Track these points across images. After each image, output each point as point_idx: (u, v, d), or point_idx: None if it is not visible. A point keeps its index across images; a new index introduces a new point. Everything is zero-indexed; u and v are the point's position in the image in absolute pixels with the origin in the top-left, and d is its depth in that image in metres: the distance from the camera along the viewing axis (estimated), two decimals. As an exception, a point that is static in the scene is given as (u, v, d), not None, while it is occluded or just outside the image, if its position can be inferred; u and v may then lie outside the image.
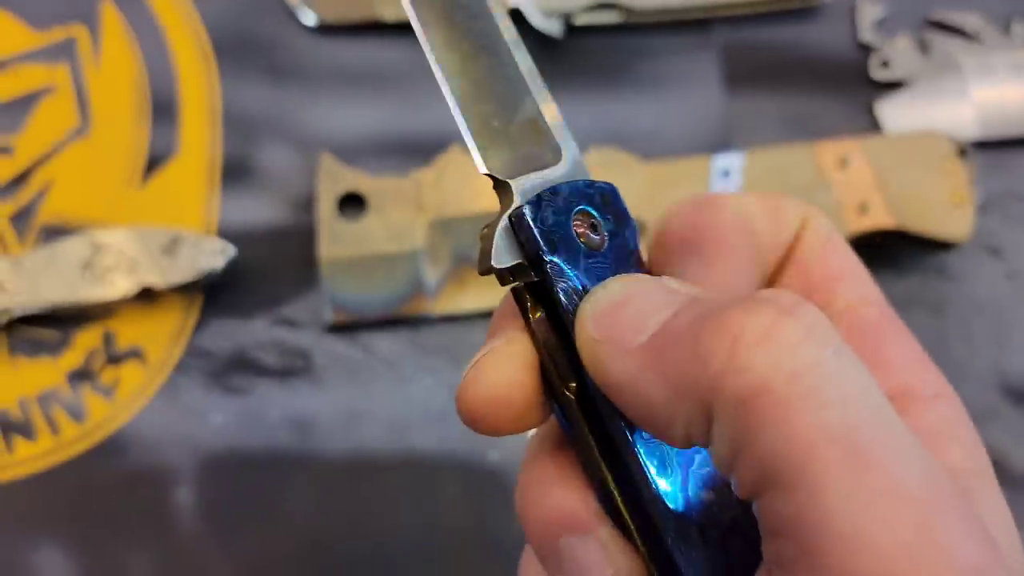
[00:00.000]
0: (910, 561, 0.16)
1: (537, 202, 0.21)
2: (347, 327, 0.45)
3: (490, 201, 0.45)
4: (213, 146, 0.47)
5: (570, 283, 0.21)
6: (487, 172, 0.22)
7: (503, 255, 0.21)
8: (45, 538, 0.42)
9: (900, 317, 0.23)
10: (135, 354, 0.44)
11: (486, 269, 0.22)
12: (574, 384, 0.21)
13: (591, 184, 0.23)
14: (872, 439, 0.17)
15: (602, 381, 0.20)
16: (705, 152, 0.46)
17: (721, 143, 0.48)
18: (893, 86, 0.49)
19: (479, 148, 0.22)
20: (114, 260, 0.44)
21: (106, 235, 0.44)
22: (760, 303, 0.18)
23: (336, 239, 0.44)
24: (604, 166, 0.45)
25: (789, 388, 0.17)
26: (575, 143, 0.23)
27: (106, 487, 0.43)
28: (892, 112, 0.49)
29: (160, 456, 0.43)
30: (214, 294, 0.45)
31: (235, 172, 0.47)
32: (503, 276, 0.22)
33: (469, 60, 0.23)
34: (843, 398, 0.17)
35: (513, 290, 0.22)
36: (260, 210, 0.46)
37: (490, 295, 0.44)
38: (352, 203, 0.45)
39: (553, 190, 0.22)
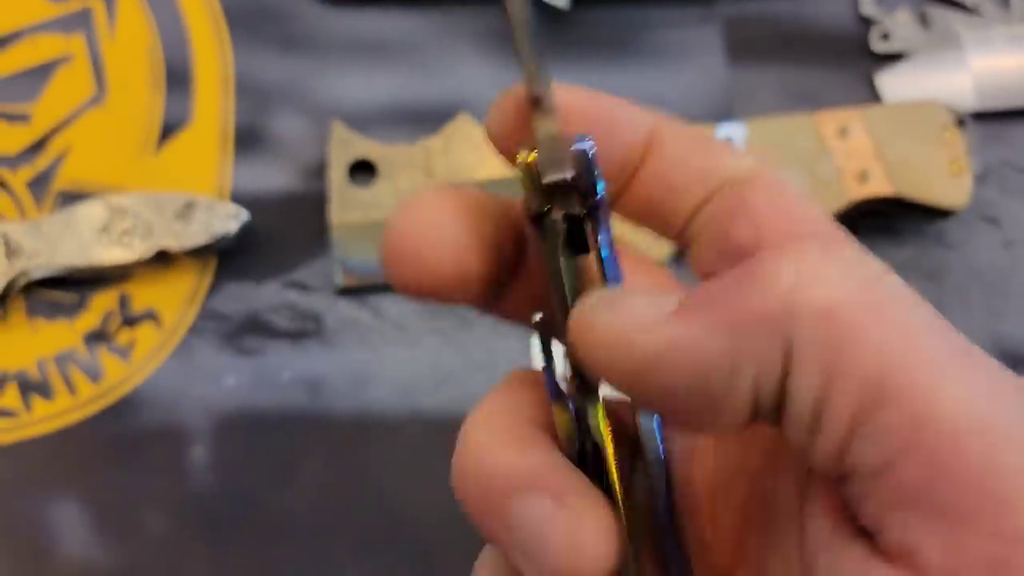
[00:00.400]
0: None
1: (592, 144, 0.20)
2: (357, 290, 0.46)
3: (497, 166, 0.46)
4: (226, 114, 0.48)
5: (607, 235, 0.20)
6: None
7: (559, 168, 0.19)
8: (62, 494, 0.43)
9: None
10: (150, 316, 0.45)
11: (538, 185, 0.19)
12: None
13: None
14: (962, 339, 0.16)
15: (624, 370, 0.18)
16: (708, 122, 0.46)
17: (724, 113, 0.48)
18: (893, 58, 0.50)
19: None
20: (130, 224, 0.45)
21: (122, 199, 0.45)
22: (800, 238, 0.18)
23: (347, 205, 0.45)
24: (609, 134, 0.46)
25: (872, 293, 0.16)
26: None
27: (122, 445, 0.44)
28: (892, 83, 0.49)
29: (175, 415, 0.44)
30: (227, 258, 0.46)
31: (248, 139, 0.48)
32: (547, 196, 0.19)
33: None
34: (919, 301, 0.16)
35: (539, 221, 0.20)
36: (272, 177, 0.47)
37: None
38: (362, 170, 0.46)
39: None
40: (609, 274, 0.20)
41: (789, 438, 0.17)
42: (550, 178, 0.19)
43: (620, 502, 0.20)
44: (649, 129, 0.21)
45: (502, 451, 0.19)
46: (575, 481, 0.19)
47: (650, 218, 0.22)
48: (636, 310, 0.18)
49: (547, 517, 0.18)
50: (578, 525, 0.18)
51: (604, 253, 0.20)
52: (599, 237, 0.20)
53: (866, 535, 0.17)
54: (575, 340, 0.19)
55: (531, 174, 0.20)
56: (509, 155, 0.21)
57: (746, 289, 0.17)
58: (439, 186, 0.20)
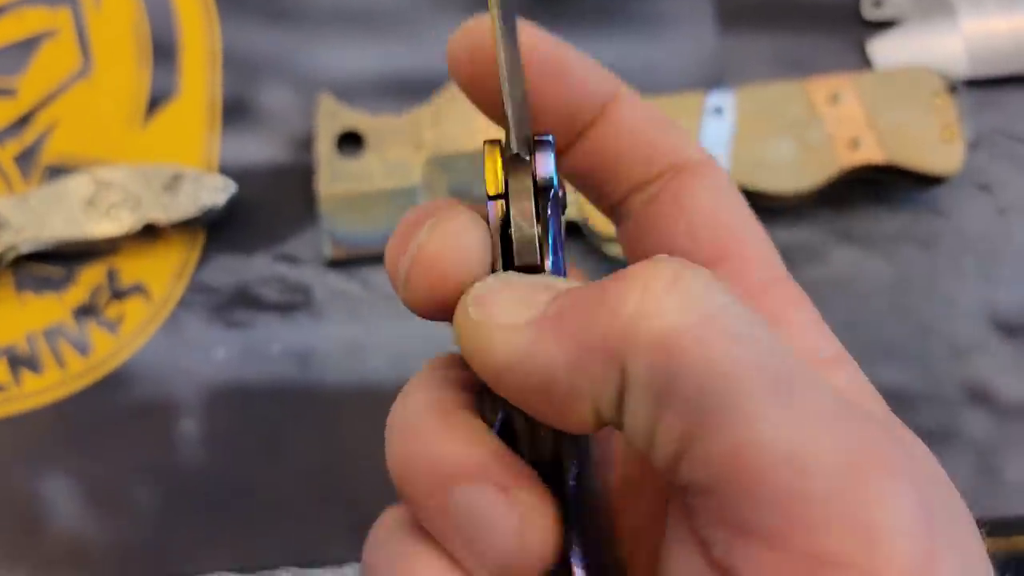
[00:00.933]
0: (857, 474, 0.16)
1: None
2: (346, 262, 0.45)
3: (487, 137, 0.45)
4: (213, 86, 0.48)
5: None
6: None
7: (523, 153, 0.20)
8: (53, 468, 0.43)
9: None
10: (139, 290, 0.45)
11: (508, 160, 0.20)
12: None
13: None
14: (791, 370, 0.17)
15: (486, 366, 0.18)
16: (698, 89, 0.46)
17: (714, 81, 0.48)
18: (885, 25, 0.50)
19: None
20: (117, 197, 0.44)
21: (109, 172, 0.45)
22: (662, 260, 0.18)
23: (335, 176, 0.45)
24: (599, 103, 0.46)
25: (705, 328, 0.17)
26: None
27: (112, 419, 0.44)
28: (883, 50, 0.49)
29: (164, 389, 0.44)
30: (216, 231, 0.46)
31: (235, 112, 0.47)
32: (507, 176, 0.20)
33: None
34: (755, 336, 0.17)
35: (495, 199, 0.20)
36: (260, 149, 0.47)
37: (487, 229, 0.45)
38: (350, 141, 0.46)
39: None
40: (551, 256, 0.20)
41: (632, 446, 0.18)
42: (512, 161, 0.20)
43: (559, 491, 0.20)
44: (609, 91, 0.21)
45: (442, 438, 0.19)
46: (519, 471, 0.19)
47: (590, 183, 0.22)
48: (504, 309, 0.18)
49: (492, 506, 0.19)
50: (524, 515, 0.19)
51: (550, 235, 0.20)
52: (548, 220, 0.20)
53: (701, 545, 0.17)
54: (455, 325, 0.19)
55: (494, 156, 0.20)
56: (467, 82, 0.21)
57: (595, 309, 0.18)
58: (463, 208, 0.20)
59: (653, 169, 0.21)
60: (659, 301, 0.17)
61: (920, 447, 0.19)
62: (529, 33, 0.21)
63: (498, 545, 0.19)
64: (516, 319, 0.18)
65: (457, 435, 0.19)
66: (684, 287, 0.17)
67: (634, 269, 0.18)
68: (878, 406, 0.20)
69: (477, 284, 0.19)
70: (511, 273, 0.20)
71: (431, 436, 0.19)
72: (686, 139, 0.22)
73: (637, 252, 0.22)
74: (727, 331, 0.17)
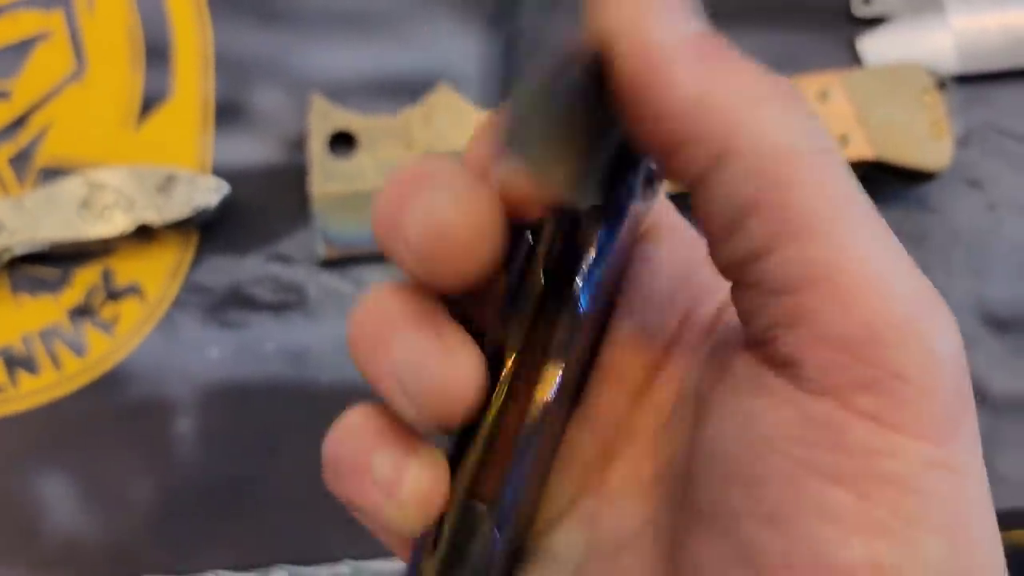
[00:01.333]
0: (927, 306, 0.18)
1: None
2: (339, 262, 0.46)
3: None
4: (206, 88, 0.48)
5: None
6: None
7: (589, 192, 0.20)
8: (49, 468, 0.43)
9: None
10: (134, 290, 0.45)
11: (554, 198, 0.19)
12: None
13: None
14: (868, 203, 0.19)
15: (632, 49, 0.18)
16: (688, 87, 0.46)
17: (704, 79, 0.48)
18: (875, 22, 0.50)
19: None
20: (111, 198, 0.45)
21: (102, 174, 0.45)
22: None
23: (328, 176, 0.45)
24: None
25: (815, 156, 0.18)
26: None
27: (108, 419, 0.44)
28: (873, 47, 0.49)
29: (159, 388, 0.44)
30: (210, 232, 0.46)
31: (228, 113, 0.48)
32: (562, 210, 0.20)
33: None
34: (846, 170, 0.19)
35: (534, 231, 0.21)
36: (253, 150, 0.47)
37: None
38: (343, 141, 0.46)
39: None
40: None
41: (706, 229, 0.19)
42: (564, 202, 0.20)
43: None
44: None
45: (393, 298, 0.20)
46: (453, 326, 0.20)
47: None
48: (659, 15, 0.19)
49: (426, 351, 0.20)
50: (451, 361, 0.20)
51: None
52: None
53: (756, 346, 0.19)
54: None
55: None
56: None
57: (729, 71, 0.19)
58: (485, 184, 0.20)
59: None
60: (771, 114, 0.18)
61: None
62: None
63: (425, 381, 0.20)
64: (680, 22, 0.18)
65: (407, 297, 0.20)
66: (795, 107, 0.19)
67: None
68: None
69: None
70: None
71: (385, 299, 0.21)
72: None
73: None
74: (836, 162, 0.18)
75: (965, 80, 0.49)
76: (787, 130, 0.18)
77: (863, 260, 0.18)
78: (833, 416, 0.17)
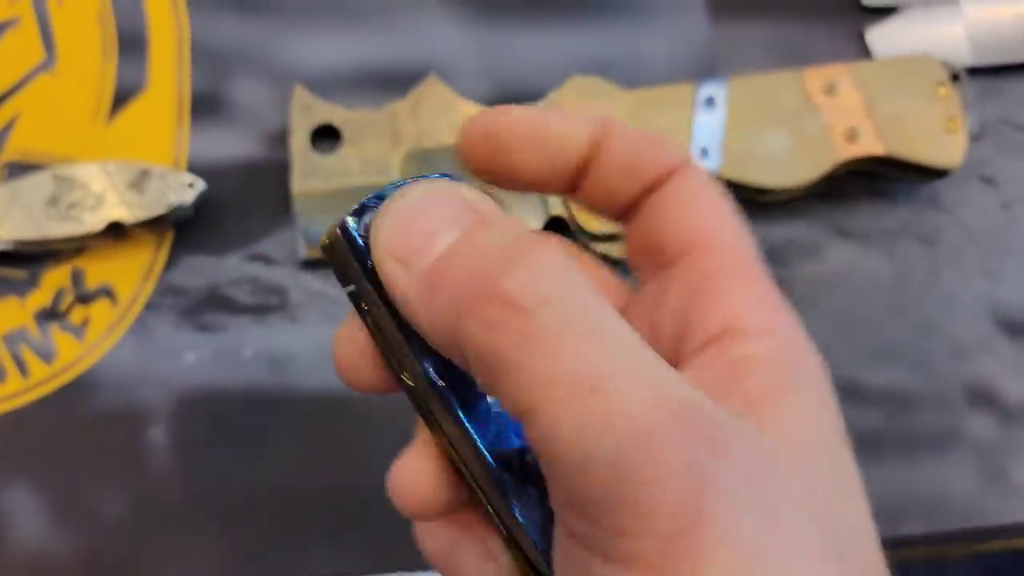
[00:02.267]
0: (626, 473, 0.17)
1: (360, 209, 0.22)
2: (322, 263, 0.44)
3: None
4: (182, 79, 0.46)
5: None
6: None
7: (343, 276, 0.22)
8: (15, 479, 0.41)
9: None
10: (105, 292, 0.43)
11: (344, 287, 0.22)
12: (407, 373, 0.22)
13: (423, 177, 0.23)
14: (599, 373, 0.18)
15: (397, 302, 0.21)
16: (689, 79, 0.44)
17: (705, 71, 0.46)
18: (884, 12, 0.48)
19: None
20: (80, 195, 0.42)
21: (72, 169, 0.43)
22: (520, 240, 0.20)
23: (310, 173, 0.43)
24: (586, 95, 0.44)
25: (527, 344, 0.19)
26: None
27: (77, 427, 0.42)
28: (883, 39, 0.47)
29: (132, 395, 0.42)
30: (185, 230, 0.44)
31: (205, 106, 0.46)
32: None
33: None
34: (576, 346, 0.18)
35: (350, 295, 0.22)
36: (231, 145, 0.45)
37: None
38: (326, 136, 0.44)
39: (378, 195, 0.22)
40: None
41: None
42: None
43: None
44: (590, 133, 0.23)
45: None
46: None
47: (601, 211, 0.25)
48: (408, 247, 0.20)
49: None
50: None
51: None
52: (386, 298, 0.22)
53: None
54: (372, 253, 0.21)
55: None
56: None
57: (456, 288, 0.20)
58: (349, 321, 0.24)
59: (642, 183, 0.24)
60: (484, 310, 0.19)
61: (798, 433, 0.20)
62: (498, 115, 0.23)
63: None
64: (418, 263, 0.20)
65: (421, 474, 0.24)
66: (524, 282, 0.19)
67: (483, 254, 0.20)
68: (776, 377, 0.21)
69: (394, 201, 0.21)
70: (423, 188, 0.21)
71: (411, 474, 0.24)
72: (670, 146, 0.24)
73: (636, 261, 0.25)
74: (548, 330, 0.19)
75: (978, 72, 0.47)
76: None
77: (562, 444, 0.18)
78: (581, 556, 0.19)
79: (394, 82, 0.45)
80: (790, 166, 0.43)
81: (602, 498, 0.18)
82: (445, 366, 0.22)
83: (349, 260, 0.22)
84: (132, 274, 0.43)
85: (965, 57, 0.47)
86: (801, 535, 0.18)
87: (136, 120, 0.45)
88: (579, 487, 0.18)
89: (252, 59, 0.46)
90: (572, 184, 0.24)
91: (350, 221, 0.22)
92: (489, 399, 0.22)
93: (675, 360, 0.22)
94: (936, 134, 0.43)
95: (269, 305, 0.43)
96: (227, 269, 0.44)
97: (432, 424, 0.22)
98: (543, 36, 0.48)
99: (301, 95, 0.44)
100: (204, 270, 0.44)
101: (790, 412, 0.20)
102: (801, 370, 0.21)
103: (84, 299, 0.43)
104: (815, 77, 0.44)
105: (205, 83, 0.46)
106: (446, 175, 0.22)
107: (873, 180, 0.45)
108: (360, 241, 0.21)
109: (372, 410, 0.42)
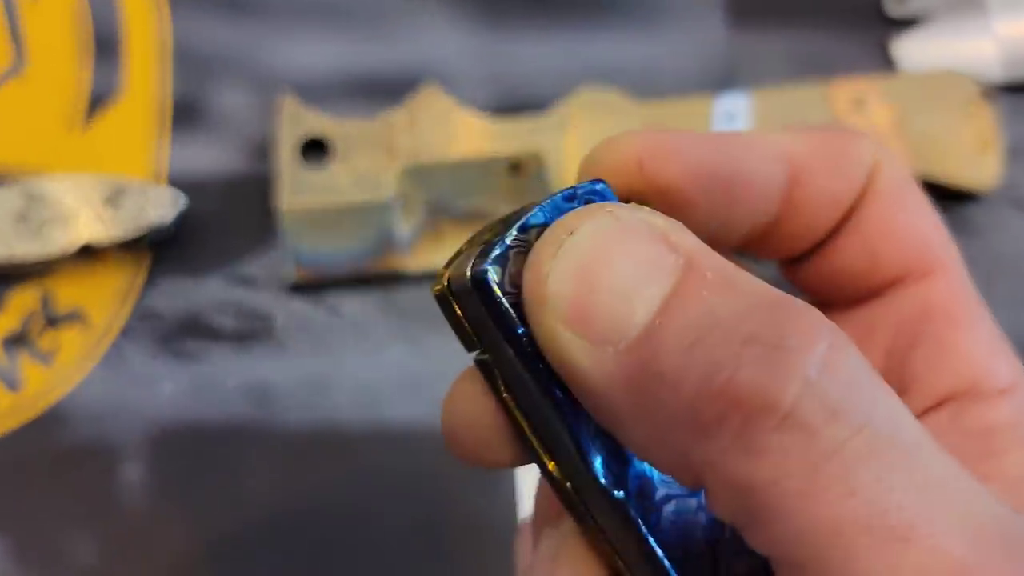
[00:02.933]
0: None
1: (491, 248, 0.17)
2: (311, 286, 0.42)
3: (471, 144, 0.41)
4: (162, 86, 0.44)
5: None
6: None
7: (470, 337, 0.18)
8: (-23, 520, 0.39)
9: None
10: (76, 317, 0.41)
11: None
12: (559, 466, 0.17)
13: (571, 195, 0.17)
14: (907, 511, 0.14)
15: (579, 391, 0.16)
16: (706, 91, 0.42)
17: (723, 82, 0.45)
18: (910, 23, 0.46)
19: None
20: (51, 212, 0.41)
21: (41, 185, 0.41)
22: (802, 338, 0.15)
23: (298, 188, 0.41)
24: (594, 107, 0.42)
25: (810, 478, 0.14)
26: None
27: (45, 464, 0.40)
28: (909, 51, 0.45)
29: (105, 429, 0.40)
30: (164, 250, 0.42)
31: (186, 115, 0.44)
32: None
33: None
34: (875, 476, 0.14)
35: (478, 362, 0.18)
36: (214, 157, 0.43)
37: (469, 251, 0.41)
38: (315, 149, 0.42)
39: (521, 225, 0.17)
40: None
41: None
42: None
43: None
44: (782, 175, 0.19)
45: None
46: None
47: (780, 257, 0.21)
48: (595, 318, 0.15)
49: None
50: None
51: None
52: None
53: None
54: (532, 319, 0.16)
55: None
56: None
57: (688, 398, 0.15)
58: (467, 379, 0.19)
59: (841, 206, 0.20)
60: (766, 437, 0.14)
61: None
62: (676, 157, 0.18)
63: None
64: (611, 339, 0.15)
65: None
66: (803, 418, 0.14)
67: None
68: None
69: (563, 242, 0.16)
70: (601, 218, 0.16)
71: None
72: (860, 145, 0.20)
73: (824, 279, 0.21)
74: (839, 480, 0.14)
75: (1010, 90, 0.45)
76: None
77: None
78: None
79: (389, 90, 0.43)
80: (814, 187, 0.41)
81: None
82: (621, 464, 0.17)
83: (484, 320, 0.17)
84: (106, 297, 0.42)
85: (996, 72, 0.45)
86: None
87: (112, 129, 0.43)
88: None
89: (237, 64, 0.45)
90: (751, 238, 0.20)
91: (491, 272, 0.16)
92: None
93: None
94: (968, 155, 0.42)
95: (253, 332, 0.42)
96: (208, 293, 0.42)
97: (584, 519, 0.18)
98: (550, 42, 0.45)
99: (289, 104, 0.42)
100: (183, 294, 0.42)
101: None
102: None
103: (54, 324, 0.41)
104: (842, 91, 0.42)
105: (186, 90, 0.44)
106: (597, 185, 0.17)
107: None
108: (504, 300, 0.17)
109: (362, 448, 0.40)
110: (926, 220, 0.20)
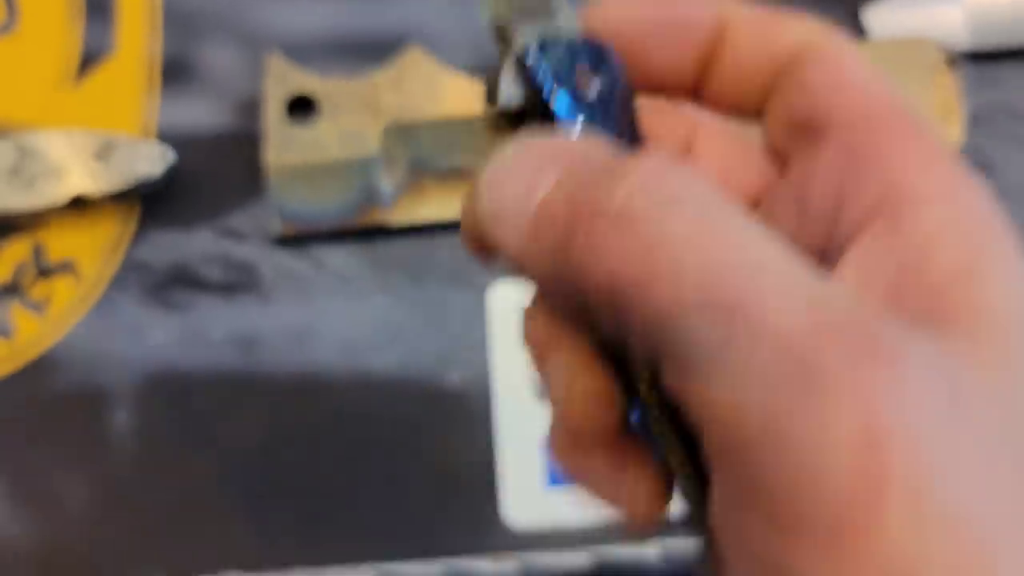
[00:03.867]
0: (782, 420, 0.15)
1: (543, 45, 0.21)
2: (297, 239, 0.43)
3: (453, 104, 0.42)
4: (152, 44, 0.44)
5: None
6: (491, 16, 0.22)
7: (511, 92, 0.21)
8: (-30, 463, 0.40)
9: None
10: (67, 267, 0.42)
11: (493, 113, 0.22)
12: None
13: (588, 41, 0.22)
14: (737, 288, 0.16)
15: (512, 267, 0.19)
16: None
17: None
18: (881, -9, 0.47)
19: None
20: (43, 166, 0.41)
21: (33, 139, 0.42)
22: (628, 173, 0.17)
23: (285, 145, 0.42)
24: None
25: (644, 266, 0.17)
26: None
27: (36, 410, 0.41)
28: (880, 19, 0.46)
29: (95, 376, 0.41)
30: (153, 203, 0.43)
31: (176, 72, 0.44)
32: (509, 118, 0.21)
33: None
34: (704, 242, 0.16)
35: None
36: (202, 114, 0.44)
37: (451, 205, 0.42)
38: (302, 106, 0.43)
39: (554, 40, 0.21)
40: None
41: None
42: (500, 109, 0.22)
43: None
44: (714, 17, 0.21)
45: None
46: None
47: (730, 107, 0.22)
48: (507, 199, 0.19)
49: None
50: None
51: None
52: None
53: None
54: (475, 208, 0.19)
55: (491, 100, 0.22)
56: None
57: (560, 235, 0.18)
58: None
59: (773, 67, 0.21)
60: (603, 239, 0.17)
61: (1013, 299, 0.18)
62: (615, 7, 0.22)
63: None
64: (519, 216, 0.18)
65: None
66: (629, 226, 0.17)
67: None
68: (968, 245, 0.18)
69: (497, 154, 0.19)
70: (527, 141, 0.19)
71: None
72: (795, 25, 0.22)
73: (781, 147, 0.22)
74: (673, 265, 0.17)
75: (976, 57, 0.46)
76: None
77: (717, 392, 0.16)
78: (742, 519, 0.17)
79: (376, 50, 0.44)
80: (783, 149, 0.42)
81: (758, 449, 0.15)
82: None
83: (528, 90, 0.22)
84: (96, 249, 0.42)
85: (962, 41, 0.46)
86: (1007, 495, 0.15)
87: (103, 86, 0.44)
88: (728, 438, 0.16)
89: (226, 22, 0.45)
90: (697, 80, 0.21)
91: (534, 50, 0.21)
92: None
93: (832, 249, 0.19)
94: (931, 120, 0.43)
95: (239, 283, 0.42)
96: (196, 245, 0.43)
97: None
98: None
99: (276, 63, 0.43)
100: (172, 246, 0.43)
101: (984, 308, 0.17)
102: (993, 249, 0.18)
103: (46, 274, 0.42)
104: (811, 58, 0.43)
105: (176, 48, 0.45)
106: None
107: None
108: (545, 69, 0.21)
109: (345, 397, 0.41)
110: (869, 77, 0.21)
